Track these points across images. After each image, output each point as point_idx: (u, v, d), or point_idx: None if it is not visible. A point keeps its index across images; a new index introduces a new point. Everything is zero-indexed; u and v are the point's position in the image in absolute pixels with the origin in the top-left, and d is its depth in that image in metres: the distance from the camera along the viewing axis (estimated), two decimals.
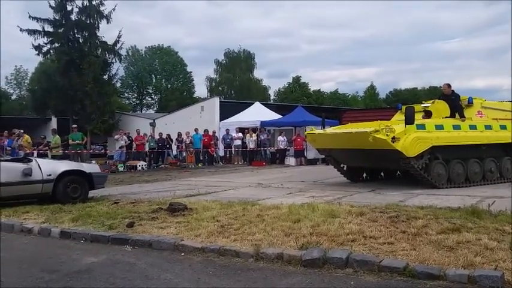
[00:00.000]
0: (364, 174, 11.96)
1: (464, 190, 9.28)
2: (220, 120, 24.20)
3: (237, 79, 55.48)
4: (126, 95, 55.05)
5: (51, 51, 27.44)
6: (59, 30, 26.99)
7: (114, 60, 28.88)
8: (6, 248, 5.26)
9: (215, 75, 56.92)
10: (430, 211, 5.81)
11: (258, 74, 59.75)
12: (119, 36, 28.13)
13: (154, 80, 56.91)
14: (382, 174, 12.16)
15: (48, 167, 8.42)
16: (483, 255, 3.93)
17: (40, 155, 15.32)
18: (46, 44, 27.10)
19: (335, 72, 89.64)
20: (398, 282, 3.55)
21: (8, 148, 15.34)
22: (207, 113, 24.98)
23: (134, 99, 57.11)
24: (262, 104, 27.25)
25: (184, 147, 21.21)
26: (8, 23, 69.89)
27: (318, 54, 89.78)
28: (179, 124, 23.64)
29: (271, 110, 25.12)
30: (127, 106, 50.67)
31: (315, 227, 5.07)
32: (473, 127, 10.44)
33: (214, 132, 22.11)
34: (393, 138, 8.93)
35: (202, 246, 4.61)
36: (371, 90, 67.71)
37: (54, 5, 26.88)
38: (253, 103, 26.60)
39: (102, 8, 27.58)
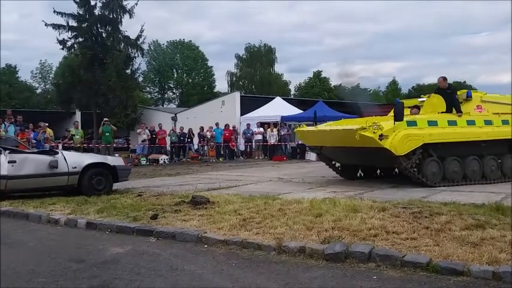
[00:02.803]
0: (360, 173, 11.45)
1: (489, 187, 9.06)
2: (240, 115, 24.29)
3: (257, 74, 55.42)
4: (148, 89, 55.64)
5: (75, 46, 27.88)
6: (83, 25, 27.38)
7: (136, 55, 29.20)
8: (35, 238, 5.43)
9: (236, 70, 57.01)
10: (453, 207, 5.76)
11: (278, 68, 59.65)
12: (142, 31, 28.40)
13: (175, 75, 57.35)
14: (378, 172, 11.68)
15: (74, 160, 8.62)
16: (508, 251, 3.88)
17: (65, 148, 15.67)
18: (70, 38, 27.54)
19: (357, 66, 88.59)
20: (422, 278, 3.54)
21: (34, 141, 15.72)
22: (227, 108, 25.10)
23: (156, 94, 57.71)
24: (283, 98, 27.22)
25: (205, 141, 21.38)
26: (34, 18, 71.34)
27: (340, 49, 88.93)
28: (200, 118, 23.82)
29: (291, 104, 25.07)
30: (149, 100, 51.26)
31: (336, 222, 5.09)
32: (471, 122, 9.84)
33: (234, 127, 22.21)
34: (381, 135, 8.48)
35: (225, 239, 4.67)
36: (393, 85, 66.81)
37: (78, 0, 27.28)
38: (273, 98, 26.60)
39: (125, 3, 27.87)
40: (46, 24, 26.74)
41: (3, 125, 14.55)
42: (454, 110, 9.95)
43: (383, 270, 3.74)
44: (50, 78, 47.31)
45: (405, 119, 9.07)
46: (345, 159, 10.93)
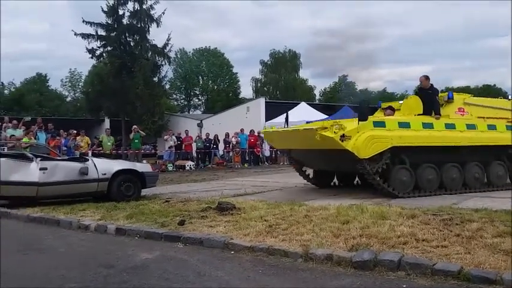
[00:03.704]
0: (336, 180, 10.68)
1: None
2: (265, 121, 24.32)
3: (282, 79, 55.46)
4: (175, 96, 56.41)
5: (104, 55, 28.58)
6: (111, 34, 28.06)
7: (163, 63, 29.76)
8: (66, 244, 5.55)
9: (260, 76, 57.22)
10: (485, 214, 5.61)
11: (303, 74, 59.48)
12: (168, 39, 28.92)
13: (201, 82, 57.97)
14: (356, 180, 10.60)
15: (104, 166, 8.79)
16: None
17: (94, 155, 16.02)
18: (99, 47, 28.27)
19: (383, 70, 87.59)
20: (453, 286, 3.46)
21: (64, 148, 16.13)
22: (252, 114, 25.20)
23: (182, 101, 58.44)
24: (308, 104, 27.13)
25: (231, 147, 21.49)
26: (63, 28, 73.43)
27: (366, 53, 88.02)
28: (225, 125, 23.99)
29: (316, 110, 24.97)
30: (175, 107, 51.93)
31: (364, 229, 5.01)
32: (450, 126, 9.07)
33: (259, 133, 22.25)
34: (342, 136, 7.81)
35: (251, 245, 4.67)
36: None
37: (106, 10, 27.97)
38: (298, 103, 26.54)
39: (152, 12, 28.45)
40: (75, 34, 27.54)
41: (35, 132, 14.96)
42: (433, 112, 9.24)
43: (413, 278, 3.67)
44: (80, 86, 48.51)
45: (372, 119, 8.45)
46: (314, 164, 10.17)
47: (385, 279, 3.69)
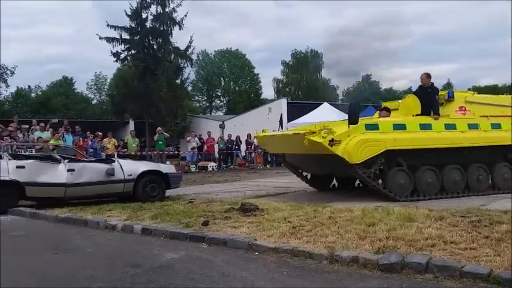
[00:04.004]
0: (335, 182, 10.40)
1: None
2: (288, 121, 24.27)
3: (304, 79, 55.26)
4: (197, 98, 56.84)
5: (128, 58, 28.97)
6: (135, 38, 28.42)
7: (186, 65, 29.97)
8: (93, 244, 5.65)
9: (282, 77, 57.12)
10: None
11: (325, 73, 59.10)
12: (191, 42, 29.12)
13: (223, 83, 58.25)
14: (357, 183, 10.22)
15: (129, 168, 8.94)
16: None
17: (120, 156, 16.28)
18: (123, 51, 28.64)
19: (408, 69, 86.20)
20: None
21: (91, 150, 16.44)
22: (274, 115, 25.15)
23: (204, 102, 58.84)
24: (330, 104, 26.94)
25: (253, 148, 21.53)
26: (88, 32, 74.91)
27: (390, 52, 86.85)
28: (247, 126, 24.01)
29: (339, 110, 24.76)
30: (197, 109, 52.32)
31: (391, 231, 4.96)
32: (450, 126, 8.65)
33: None
34: (331, 141, 7.54)
35: (276, 247, 4.66)
36: (448, 87, 64.51)
37: (130, 14, 28.38)
38: (321, 103, 26.38)
39: (174, 15, 28.71)
40: (100, 38, 27.97)
41: (62, 134, 15.29)
42: (432, 112, 8.84)
43: (441, 281, 3.60)
44: (105, 89, 49.36)
45: (365, 122, 8.17)
46: (308, 168, 9.88)
47: (412, 282, 3.64)
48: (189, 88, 40.21)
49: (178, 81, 29.71)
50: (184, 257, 4.70)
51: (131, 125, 29.00)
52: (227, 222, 6.08)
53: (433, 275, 3.70)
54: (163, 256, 4.77)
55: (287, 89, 55.70)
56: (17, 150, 12.06)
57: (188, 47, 29.14)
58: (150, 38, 28.75)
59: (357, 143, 7.69)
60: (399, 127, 8.33)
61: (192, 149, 20.35)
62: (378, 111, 9.78)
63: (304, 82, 55.11)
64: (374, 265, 3.97)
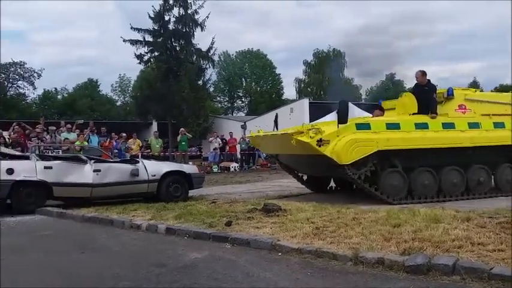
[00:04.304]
0: (333, 184, 10.06)
1: None
2: (310, 121, 24.11)
3: (326, 79, 54.90)
4: (219, 98, 57.15)
5: (152, 60, 29.36)
6: (158, 40, 28.77)
7: (207, 66, 30.19)
8: (119, 243, 5.74)
9: (304, 76, 56.88)
10: None
11: (348, 73, 58.59)
12: (212, 43, 29.33)
13: (244, 84, 58.41)
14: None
15: (153, 168, 9.05)
16: None
17: (143, 157, 16.49)
18: (147, 53, 29.04)
19: (433, 68, 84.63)
20: None
21: (116, 150, 16.69)
22: (296, 115, 25.04)
23: (226, 103, 59.12)
24: (353, 103, 26.66)
25: None
26: (112, 34, 76.19)
27: (414, 50, 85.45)
28: (269, 126, 23.96)
29: (362, 109, 24.50)
30: (219, 109, 52.62)
31: (417, 232, 4.87)
32: (448, 126, 8.30)
33: None
34: (319, 141, 7.33)
35: (299, 247, 4.64)
36: (474, 86, 63.12)
37: (153, 16, 28.73)
38: None
39: (196, 17, 28.94)
40: (124, 40, 28.41)
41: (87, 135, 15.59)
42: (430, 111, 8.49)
43: (468, 283, 3.53)
44: (129, 91, 50.20)
45: (355, 121, 7.97)
46: (301, 169, 9.59)
47: (439, 284, 3.57)
48: (211, 89, 40.47)
49: (200, 82, 29.96)
50: (208, 257, 4.72)
51: (154, 126, 29.36)
52: (250, 222, 6.08)
53: (460, 277, 3.62)
54: (187, 256, 4.81)
55: (309, 89, 55.45)
56: (44, 151, 12.35)
57: (210, 48, 29.36)
58: (173, 40, 29.07)
59: (346, 143, 7.50)
60: (393, 126, 8.05)
61: (214, 149, 20.47)
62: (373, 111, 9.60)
63: (326, 82, 54.74)
64: (400, 267, 3.91)
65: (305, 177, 10.22)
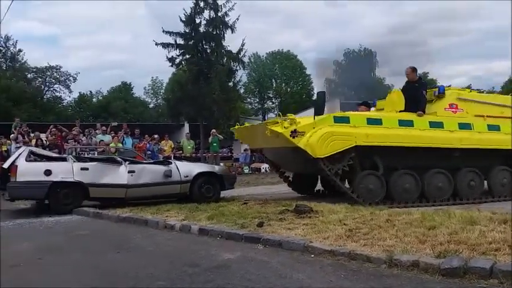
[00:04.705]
0: (320, 186, 9.56)
1: None
2: None
3: (357, 79, 54.16)
4: (249, 100, 57.32)
5: (183, 63, 29.75)
6: (189, 43, 29.12)
7: (238, 68, 30.34)
8: (153, 243, 5.85)
9: (334, 77, 56.32)
10: None
11: (379, 72, 57.64)
12: (243, 45, 29.43)
13: (274, 85, 58.36)
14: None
15: (185, 169, 9.18)
16: None
17: (176, 158, 16.74)
18: (178, 56, 29.42)
19: (467, 66, 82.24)
20: None
21: (149, 152, 17.01)
22: None
23: (256, 104, 59.23)
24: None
25: None
26: (145, 38, 77.73)
27: (447, 48, 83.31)
28: None
29: None
30: (250, 111, 52.78)
31: (452, 235, 4.77)
32: (436, 125, 7.87)
33: None
34: (294, 132, 7.04)
35: (332, 249, 4.62)
36: (510, 84, 60.91)
37: (184, 19, 29.12)
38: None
39: (227, 19, 29.14)
40: (156, 44, 28.88)
41: (121, 137, 15.96)
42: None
43: (507, 287, 3.43)
44: (161, 93, 50.99)
45: (334, 114, 7.67)
46: (284, 165, 9.11)
47: None
48: (241, 90, 40.67)
49: (230, 84, 30.13)
50: (241, 258, 4.76)
51: (186, 128, 29.73)
52: (282, 223, 6.09)
53: (498, 281, 3.53)
54: (220, 256, 4.86)
55: (339, 89, 54.86)
56: (80, 152, 12.72)
57: (240, 50, 29.48)
58: (204, 43, 29.35)
59: (322, 136, 7.21)
60: (374, 122, 7.73)
61: (244, 150, 20.59)
62: (357, 106, 9.39)
63: (357, 81, 54.01)
64: (435, 270, 3.84)
65: (291, 178, 9.89)
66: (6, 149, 13.67)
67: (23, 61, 43.30)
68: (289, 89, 57.61)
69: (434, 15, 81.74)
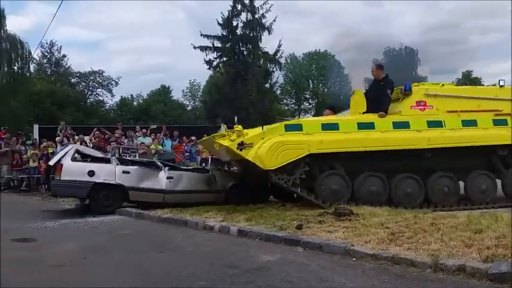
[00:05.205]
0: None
1: None
2: None
3: (398, 78, 52.96)
4: (285, 101, 57.20)
5: (220, 65, 30.10)
6: (226, 45, 29.43)
7: (274, 69, 30.40)
8: (193, 243, 5.93)
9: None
10: None
11: (421, 71, 56.14)
12: (279, 46, 29.51)
13: (311, 85, 57.99)
14: None
15: (223, 180, 9.14)
16: None
17: (213, 160, 16.86)
18: (215, 58, 29.83)
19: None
20: None
21: (187, 154, 17.25)
22: None
23: (293, 105, 59.02)
24: None
25: None
26: (183, 42, 79.08)
27: (491, 46, 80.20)
28: None
29: None
30: (286, 112, 52.65)
31: (500, 239, 4.58)
32: (401, 125, 7.36)
33: None
34: (241, 144, 6.76)
35: (374, 253, 4.53)
36: None
37: (221, 22, 29.44)
38: None
39: (264, 20, 29.26)
40: (194, 47, 29.36)
41: (161, 139, 16.27)
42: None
43: None
44: (199, 96, 51.70)
45: (285, 122, 7.32)
46: (248, 177, 8.54)
47: None
48: (278, 92, 40.68)
49: (267, 85, 30.21)
50: (280, 260, 4.74)
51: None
52: (321, 226, 6.02)
53: None
54: (259, 258, 4.86)
55: None
56: (122, 154, 13.05)
57: (277, 51, 29.56)
58: (241, 45, 29.61)
59: (271, 146, 6.91)
60: (329, 127, 7.36)
61: None
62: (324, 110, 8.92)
63: (398, 81, 52.81)
64: (482, 274, 3.71)
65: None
66: (52, 151, 14.19)
67: (67, 66, 45.06)
68: (326, 90, 57.06)
69: (474, 12, 78.96)
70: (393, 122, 7.56)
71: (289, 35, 75.62)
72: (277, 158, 6.92)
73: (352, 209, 6.67)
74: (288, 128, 7.35)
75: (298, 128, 7.38)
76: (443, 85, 8.40)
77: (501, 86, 8.50)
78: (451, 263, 3.97)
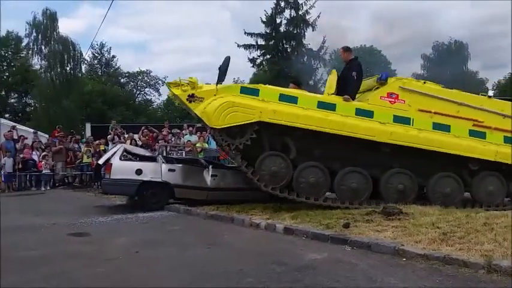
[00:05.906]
0: None
1: None
2: None
3: (448, 73, 51.05)
4: None
5: (264, 63, 30.17)
6: (270, 43, 29.46)
7: (319, 66, 30.12)
8: (240, 240, 6.00)
9: (422, 71, 53.53)
10: None
11: (472, 66, 53.77)
12: (323, 42, 29.20)
13: None
14: None
15: None
16: None
17: None
18: (259, 56, 29.92)
19: None
20: None
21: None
22: None
23: None
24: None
25: None
26: (229, 41, 79.85)
27: None
28: None
29: None
30: None
31: None
32: (364, 113, 6.90)
33: None
34: (191, 96, 6.58)
35: (425, 253, 4.43)
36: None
37: (265, 20, 29.50)
38: None
39: (307, 17, 29.05)
40: (238, 46, 29.60)
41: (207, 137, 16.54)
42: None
43: None
44: None
45: (243, 85, 6.84)
46: None
47: None
48: (322, 89, 40.28)
49: (311, 82, 29.98)
50: (327, 259, 4.72)
51: None
52: (369, 225, 5.94)
53: None
54: (306, 256, 4.86)
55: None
56: (169, 152, 13.37)
57: (321, 47, 29.25)
58: (284, 42, 29.54)
59: (221, 105, 6.67)
60: (288, 99, 7.02)
61: None
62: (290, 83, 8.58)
63: (448, 76, 50.91)
64: None
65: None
66: (103, 148, 14.77)
67: (116, 66, 46.62)
68: None
69: None
70: (356, 108, 7.20)
71: (334, 30, 74.50)
72: (225, 118, 6.76)
73: (402, 208, 6.54)
74: (244, 91, 7.14)
75: (254, 92, 7.12)
76: (424, 83, 8.04)
77: (489, 97, 8.22)
78: (505, 264, 3.84)
